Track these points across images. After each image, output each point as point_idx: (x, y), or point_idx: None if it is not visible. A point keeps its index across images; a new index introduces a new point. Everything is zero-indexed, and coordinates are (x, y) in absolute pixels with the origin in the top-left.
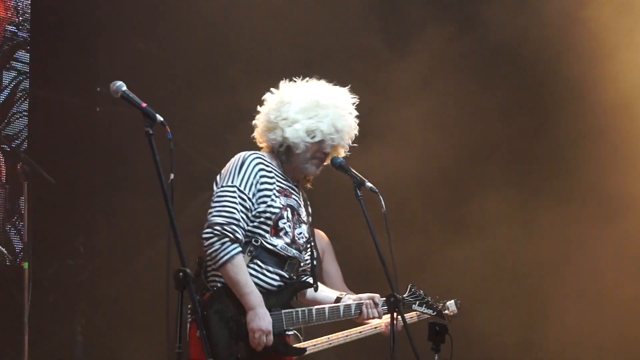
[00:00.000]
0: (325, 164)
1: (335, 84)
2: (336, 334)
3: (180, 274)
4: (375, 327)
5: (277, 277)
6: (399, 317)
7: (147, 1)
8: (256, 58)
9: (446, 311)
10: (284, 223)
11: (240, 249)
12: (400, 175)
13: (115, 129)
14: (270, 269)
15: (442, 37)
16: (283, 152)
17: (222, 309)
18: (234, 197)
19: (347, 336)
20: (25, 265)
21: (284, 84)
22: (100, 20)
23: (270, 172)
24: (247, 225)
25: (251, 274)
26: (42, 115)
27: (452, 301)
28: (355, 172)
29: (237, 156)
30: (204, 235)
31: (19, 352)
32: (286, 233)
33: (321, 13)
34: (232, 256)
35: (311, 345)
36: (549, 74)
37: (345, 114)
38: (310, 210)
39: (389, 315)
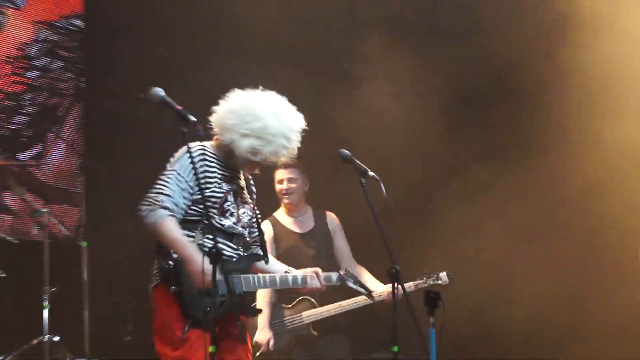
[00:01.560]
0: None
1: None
2: (346, 301)
3: (213, 250)
4: (380, 295)
5: (228, 249)
6: (399, 286)
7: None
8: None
9: (439, 282)
10: (229, 205)
11: (169, 214)
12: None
13: (156, 128)
14: (221, 240)
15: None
16: (227, 150)
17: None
18: (169, 177)
19: (355, 303)
20: (85, 244)
21: (247, 93)
22: (139, 35)
23: (212, 162)
24: (185, 202)
25: (206, 245)
26: (94, 117)
27: (445, 273)
28: (359, 162)
29: (183, 148)
30: (137, 208)
31: (80, 322)
32: (232, 214)
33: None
34: (161, 217)
35: (325, 310)
36: (525, 83)
37: (289, 144)
38: (254, 190)
39: (390, 285)
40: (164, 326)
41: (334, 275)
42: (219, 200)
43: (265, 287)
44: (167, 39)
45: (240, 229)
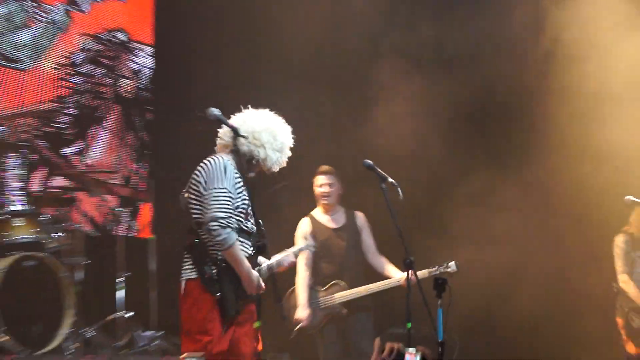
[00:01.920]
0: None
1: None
2: (371, 285)
3: (260, 244)
4: (398, 281)
5: (249, 247)
6: (414, 274)
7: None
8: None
9: (448, 270)
10: (250, 209)
11: (236, 236)
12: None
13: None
14: (245, 242)
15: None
16: (248, 160)
17: (229, 275)
18: (227, 196)
19: (379, 287)
20: (153, 237)
21: (261, 112)
22: (198, 59)
23: (237, 173)
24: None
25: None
26: (160, 131)
27: (453, 262)
28: (380, 170)
29: (214, 162)
30: (212, 227)
31: (149, 301)
32: (251, 216)
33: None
34: (235, 241)
35: (354, 292)
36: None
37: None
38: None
39: (406, 273)
40: (206, 320)
41: (295, 249)
42: (246, 207)
43: (270, 272)
44: (223, 62)
45: (255, 228)
